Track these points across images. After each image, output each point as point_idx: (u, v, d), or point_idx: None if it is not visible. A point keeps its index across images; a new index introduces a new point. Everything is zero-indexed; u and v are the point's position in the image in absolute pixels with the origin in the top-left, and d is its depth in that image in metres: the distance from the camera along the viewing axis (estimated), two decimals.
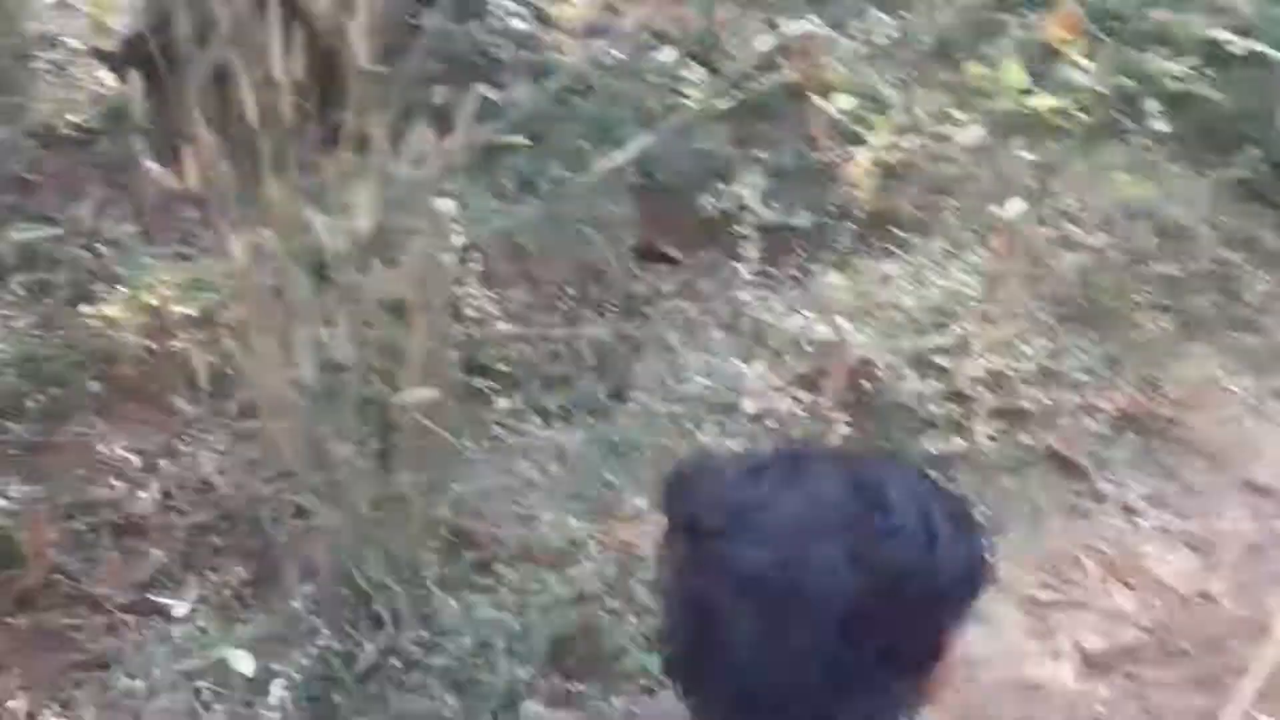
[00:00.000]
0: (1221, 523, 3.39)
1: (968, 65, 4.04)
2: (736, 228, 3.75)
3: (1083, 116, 3.89)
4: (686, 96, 4.16)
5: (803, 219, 3.90)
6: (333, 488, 2.64)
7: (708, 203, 3.86)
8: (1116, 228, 3.84)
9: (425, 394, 2.60)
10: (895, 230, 3.89)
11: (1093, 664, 2.96)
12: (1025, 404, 3.41)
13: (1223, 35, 3.80)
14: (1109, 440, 3.49)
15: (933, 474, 1.22)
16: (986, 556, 1.19)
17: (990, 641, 2.95)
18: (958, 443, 3.28)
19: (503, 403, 3.41)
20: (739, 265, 3.69)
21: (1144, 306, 3.79)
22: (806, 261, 3.79)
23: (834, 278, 3.63)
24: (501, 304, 3.64)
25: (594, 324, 3.64)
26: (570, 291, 3.71)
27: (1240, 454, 3.58)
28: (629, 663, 2.65)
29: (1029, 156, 3.84)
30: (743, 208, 3.79)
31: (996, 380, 3.40)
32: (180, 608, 2.60)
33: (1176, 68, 3.66)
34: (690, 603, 1.20)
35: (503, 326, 3.60)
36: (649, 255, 3.89)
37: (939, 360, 3.39)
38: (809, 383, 3.32)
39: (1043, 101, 3.81)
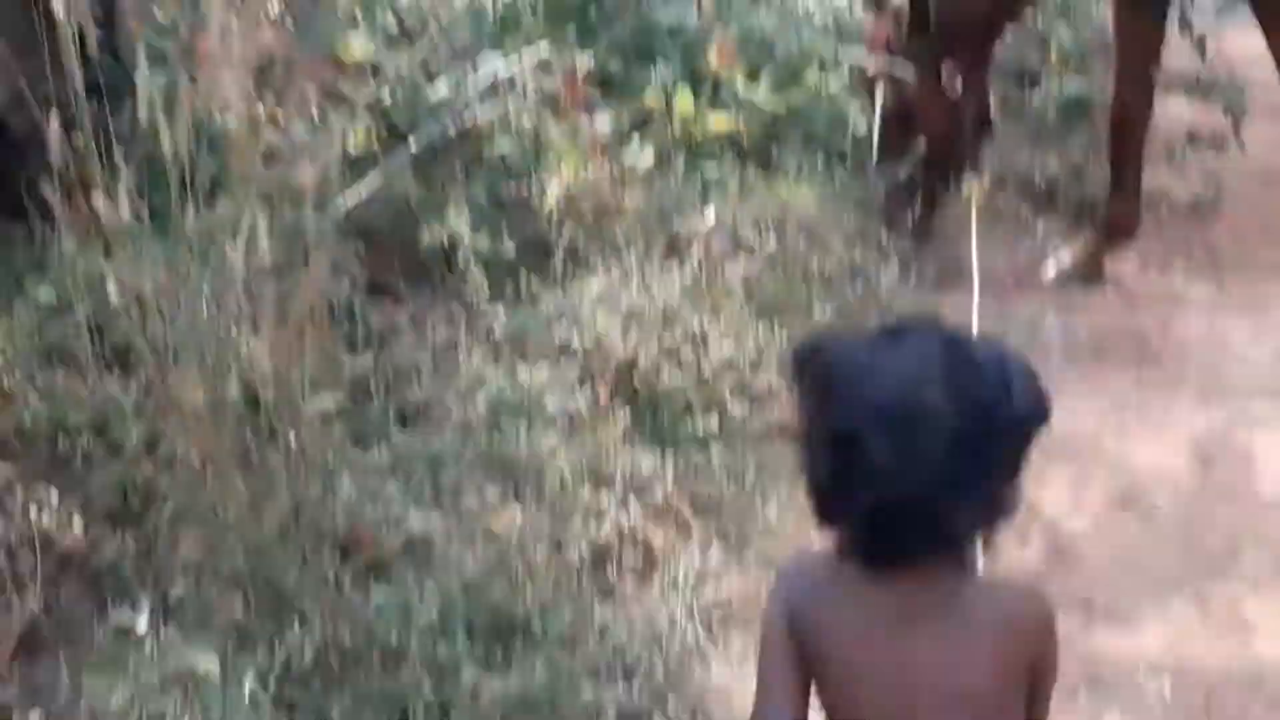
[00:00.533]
0: None
1: (646, 95, 4.89)
2: (458, 260, 4.34)
3: (744, 134, 4.83)
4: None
5: (509, 248, 4.56)
6: (250, 500, 3.03)
7: (426, 239, 4.43)
8: (776, 234, 4.75)
9: (328, 400, 3.07)
10: (592, 252, 4.60)
11: None
12: (754, 385, 4.22)
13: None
14: None
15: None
16: (1046, 396, 1.85)
17: None
18: (714, 422, 4.03)
19: None
20: (469, 293, 4.28)
21: (809, 300, 4.70)
22: (524, 286, 4.41)
23: (568, 292, 4.30)
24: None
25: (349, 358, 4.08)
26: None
27: None
28: (536, 627, 3.20)
29: (710, 174, 4.70)
30: (453, 246, 4.38)
31: (730, 367, 4.19)
32: (140, 624, 2.89)
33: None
34: (834, 433, 1.79)
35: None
36: (377, 293, 4.39)
37: (683, 354, 4.14)
38: (585, 383, 3.97)
39: (710, 124, 4.70)
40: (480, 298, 4.27)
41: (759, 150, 5.06)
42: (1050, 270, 5.72)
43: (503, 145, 4.90)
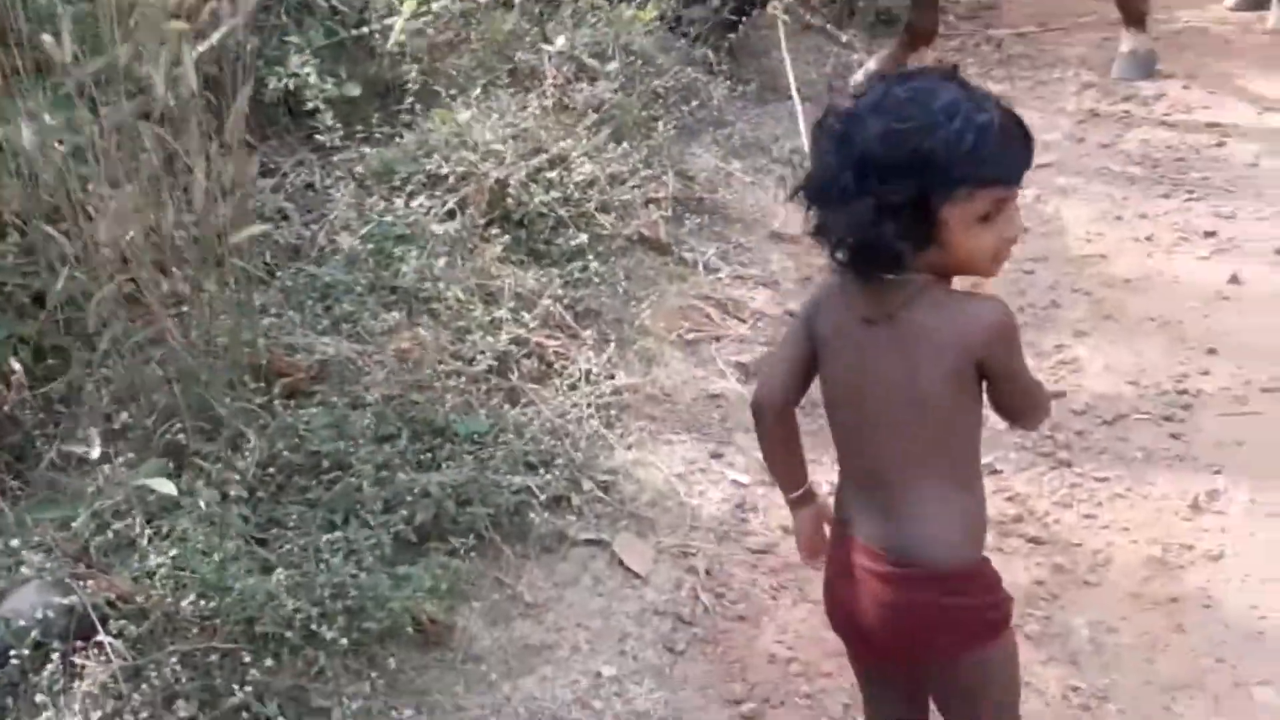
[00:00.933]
0: (771, 265, 4.61)
1: None
2: (303, 107, 4.36)
3: None
4: None
5: (354, 89, 4.61)
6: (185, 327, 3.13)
7: (270, 88, 4.43)
8: (618, 60, 4.90)
9: (254, 230, 3.17)
10: (439, 87, 4.69)
11: (749, 372, 4.05)
12: (614, 201, 4.40)
13: None
14: (674, 221, 4.57)
15: (992, 96, 2.12)
16: (1000, 158, 2.05)
17: (668, 371, 3.97)
18: (583, 236, 4.21)
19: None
20: (319, 138, 4.32)
21: (651, 118, 4.88)
22: (376, 126, 4.48)
23: (423, 127, 4.39)
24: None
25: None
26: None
27: (760, 215, 4.83)
28: (460, 429, 3.37)
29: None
30: (297, 94, 4.39)
31: (592, 184, 4.36)
32: (94, 451, 2.98)
33: None
34: (810, 143, 2.13)
35: None
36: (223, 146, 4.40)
37: (548, 175, 4.29)
38: (462, 209, 4.10)
39: None
40: (334, 138, 4.31)
41: None
42: (859, 76, 5.99)
43: None
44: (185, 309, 3.19)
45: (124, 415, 3.07)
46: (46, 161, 3.02)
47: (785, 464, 2.34)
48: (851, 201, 2.04)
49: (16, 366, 3.13)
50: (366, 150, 4.32)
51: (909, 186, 2.03)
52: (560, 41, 4.67)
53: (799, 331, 2.24)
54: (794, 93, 5.28)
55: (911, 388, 2.12)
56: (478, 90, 4.66)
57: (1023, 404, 2.21)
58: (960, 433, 2.18)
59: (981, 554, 2.24)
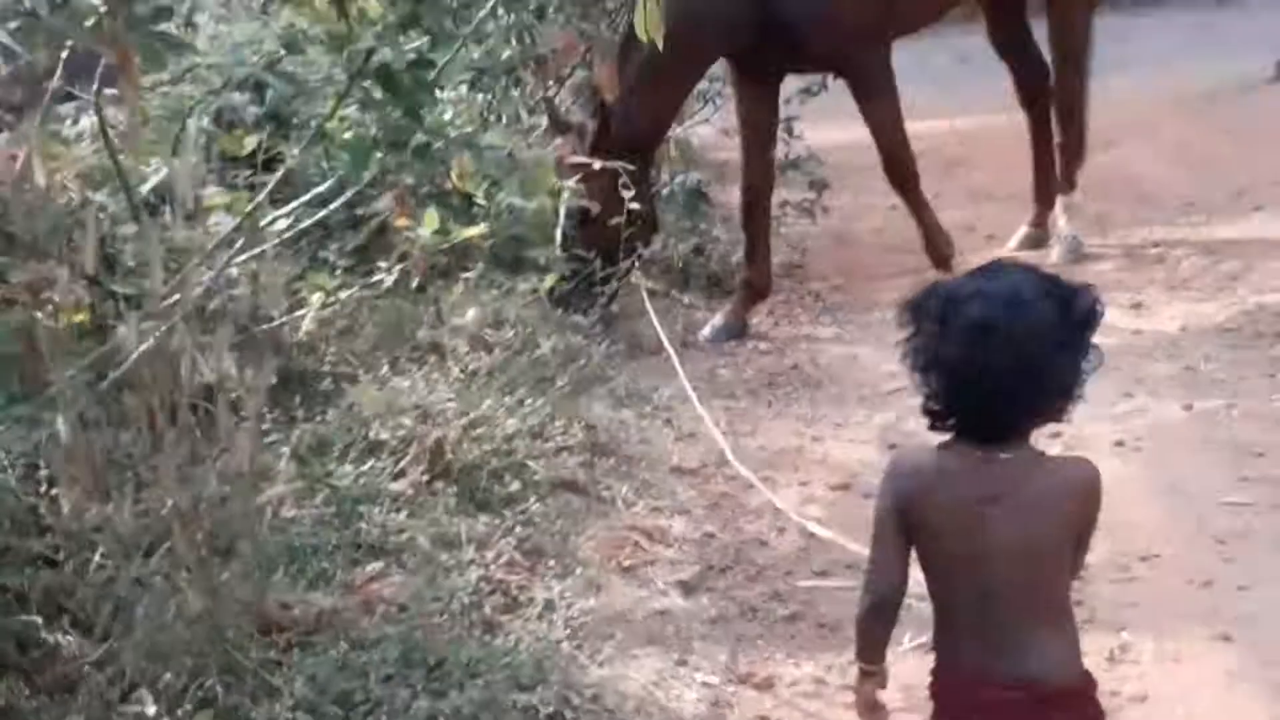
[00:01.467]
0: (678, 495, 4.95)
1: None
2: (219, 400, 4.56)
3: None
4: None
5: (270, 378, 4.85)
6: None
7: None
8: (515, 328, 5.29)
9: (281, 489, 3.39)
10: (346, 368, 4.97)
11: (689, 589, 4.34)
12: (535, 450, 4.71)
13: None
14: (586, 465, 4.89)
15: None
16: (1101, 306, 2.42)
17: (615, 596, 4.24)
18: (517, 484, 4.50)
19: None
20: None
21: (545, 378, 5.24)
22: (294, 409, 4.71)
23: (355, 398, 4.66)
24: None
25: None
26: None
27: (658, 454, 5.19)
28: (456, 658, 3.56)
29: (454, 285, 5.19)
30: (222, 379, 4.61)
31: (513, 438, 4.67)
32: (149, 708, 3.09)
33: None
34: (963, 334, 2.34)
35: None
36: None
37: (475, 431, 4.59)
38: (412, 465, 4.36)
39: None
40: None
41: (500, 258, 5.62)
42: (707, 332, 6.49)
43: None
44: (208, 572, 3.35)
45: (166, 675, 3.18)
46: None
47: (881, 641, 2.60)
48: (1063, 378, 2.36)
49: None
50: (304, 428, 4.52)
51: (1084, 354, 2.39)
52: (470, 315, 5.02)
53: (895, 524, 2.49)
54: (667, 346, 5.75)
55: (1029, 549, 2.42)
56: (384, 368, 4.95)
57: (1086, 550, 2.54)
58: (1063, 573, 2.50)
59: (1083, 665, 2.54)
